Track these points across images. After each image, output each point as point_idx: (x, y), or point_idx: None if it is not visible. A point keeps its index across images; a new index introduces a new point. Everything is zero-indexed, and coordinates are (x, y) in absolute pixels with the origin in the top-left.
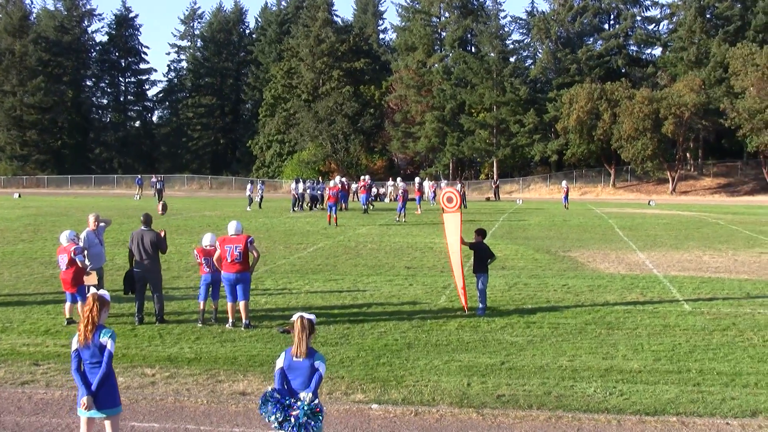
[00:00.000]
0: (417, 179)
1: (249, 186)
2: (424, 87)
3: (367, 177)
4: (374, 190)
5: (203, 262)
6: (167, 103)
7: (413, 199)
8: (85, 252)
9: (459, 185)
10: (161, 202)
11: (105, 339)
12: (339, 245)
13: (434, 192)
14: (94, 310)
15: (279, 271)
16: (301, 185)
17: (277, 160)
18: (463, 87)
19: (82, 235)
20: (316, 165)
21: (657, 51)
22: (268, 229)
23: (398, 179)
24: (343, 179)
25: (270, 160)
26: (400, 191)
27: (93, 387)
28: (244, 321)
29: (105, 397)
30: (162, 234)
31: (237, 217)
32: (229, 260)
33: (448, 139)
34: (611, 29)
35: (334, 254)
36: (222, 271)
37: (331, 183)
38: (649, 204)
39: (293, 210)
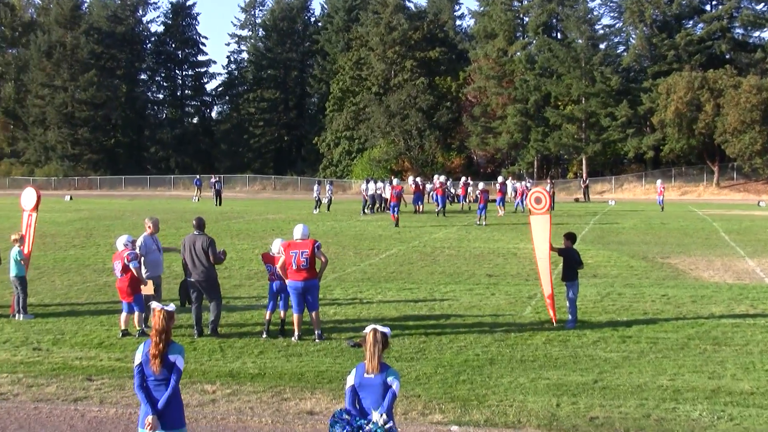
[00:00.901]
0: (500, 178)
1: (316, 187)
2: (506, 77)
3: (442, 177)
4: (452, 190)
5: (269, 269)
6: (227, 98)
7: (494, 201)
8: (142, 259)
9: (549, 185)
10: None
11: (174, 356)
12: (414, 251)
13: (521, 192)
14: (163, 326)
15: (349, 279)
16: (371, 185)
17: (346, 158)
18: (548, 77)
19: (139, 241)
20: (388, 163)
21: (766, 34)
22: (336, 234)
23: (440, 177)
24: (418, 179)
25: (338, 159)
26: (477, 191)
27: (159, 405)
28: (316, 332)
29: (171, 417)
30: (222, 253)
31: (303, 221)
32: (294, 267)
33: (532, 134)
34: (713, 10)
35: (409, 261)
36: (287, 279)
37: (394, 181)
38: (758, 205)
39: (364, 213)
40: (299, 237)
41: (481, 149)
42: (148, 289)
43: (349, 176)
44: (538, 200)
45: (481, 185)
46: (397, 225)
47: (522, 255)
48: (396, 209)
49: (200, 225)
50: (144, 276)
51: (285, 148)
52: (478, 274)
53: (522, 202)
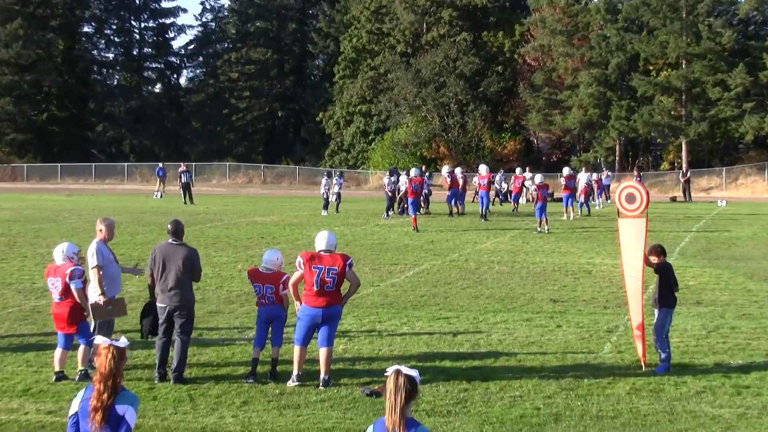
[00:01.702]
0: (566, 170)
1: (324, 180)
2: (578, 33)
3: (483, 168)
4: (503, 185)
5: (257, 290)
6: (201, 59)
7: (558, 199)
8: (100, 273)
9: (635, 178)
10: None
11: (123, 407)
12: (452, 267)
13: (597, 185)
14: (111, 368)
15: (364, 305)
16: (397, 179)
17: (361, 141)
18: (635, 32)
19: (92, 249)
20: (418, 148)
21: None
22: (348, 242)
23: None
24: (457, 170)
25: (350, 142)
26: (533, 188)
27: None
28: (322, 376)
29: None
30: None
31: (303, 225)
32: (316, 288)
33: (614, 109)
34: None
35: (446, 280)
36: (302, 303)
37: (412, 172)
38: None
39: (387, 214)
40: (324, 248)
41: (544, 130)
42: (115, 308)
43: (366, 165)
44: (631, 198)
45: (538, 178)
46: (416, 230)
47: (598, 273)
48: (414, 209)
49: (177, 231)
50: (99, 299)
51: (279, 127)
52: (539, 298)
53: (590, 199)
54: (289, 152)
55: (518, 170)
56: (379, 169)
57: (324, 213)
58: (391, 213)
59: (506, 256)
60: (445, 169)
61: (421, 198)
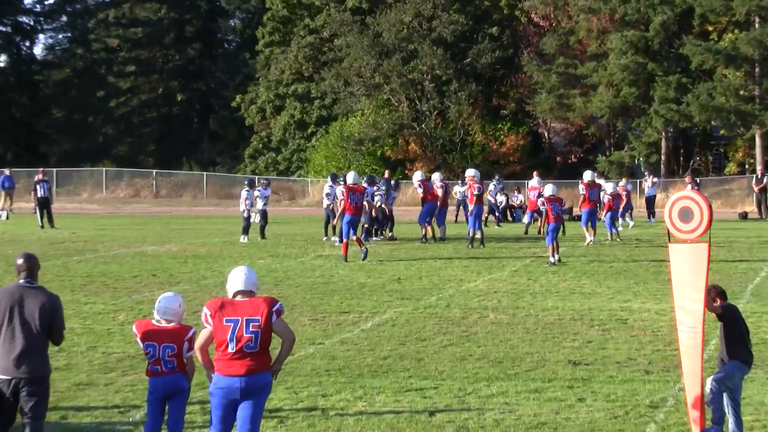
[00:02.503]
0: (588, 175)
1: (245, 193)
2: None
3: (472, 172)
4: (498, 198)
5: (149, 352)
6: (65, 20)
7: (575, 218)
8: None
9: (690, 185)
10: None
11: None
12: (429, 315)
13: (629, 203)
14: None
15: (302, 371)
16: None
17: (297, 135)
18: None
19: None
20: (379, 146)
21: None
22: (278, 282)
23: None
24: (434, 177)
25: (281, 137)
26: (540, 200)
27: None
28: None
29: None
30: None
31: (215, 258)
32: (232, 349)
33: (658, 88)
34: None
35: (419, 335)
36: (215, 373)
37: (349, 178)
38: None
39: (327, 236)
40: (241, 288)
41: (558, 118)
42: None
43: (304, 170)
44: (686, 214)
45: (549, 189)
46: (345, 260)
47: (638, 322)
48: (349, 231)
49: (31, 269)
50: None
51: (178, 116)
52: (553, 360)
53: (616, 216)
54: (192, 152)
55: (535, 179)
56: (322, 176)
57: (243, 239)
58: (329, 237)
59: (505, 300)
60: (417, 175)
61: (372, 214)
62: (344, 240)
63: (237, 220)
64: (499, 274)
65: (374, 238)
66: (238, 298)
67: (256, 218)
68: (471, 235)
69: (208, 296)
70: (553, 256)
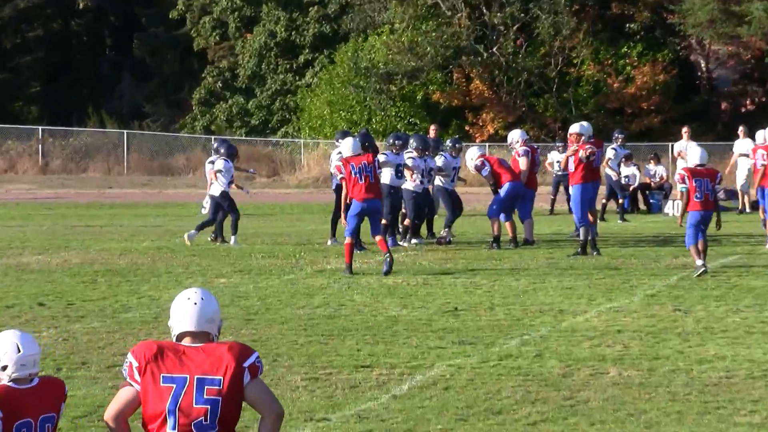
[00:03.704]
0: (759, 135)
1: (222, 163)
2: None
3: (578, 127)
4: (622, 172)
5: None
6: None
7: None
8: None
9: None
10: None
11: None
12: (505, 371)
13: None
14: None
15: None
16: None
17: (282, 67)
18: None
19: None
20: (419, 84)
21: None
22: (251, 315)
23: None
24: (515, 135)
25: (253, 71)
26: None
27: None
28: None
29: None
30: None
31: (145, 274)
32: (173, 429)
33: None
34: None
35: (489, 404)
36: None
37: (346, 144)
38: None
39: (335, 237)
40: (190, 328)
41: (724, 36)
42: None
43: (292, 126)
44: None
45: (695, 155)
46: (349, 270)
47: None
48: (358, 225)
49: None
50: None
51: (80, 36)
52: None
53: None
54: (104, 98)
55: (685, 141)
56: (323, 136)
57: (188, 238)
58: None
59: (636, 345)
60: (515, 135)
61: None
62: (346, 238)
63: (186, 209)
64: (625, 302)
65: (413, 241)
66: (186, 342)
67: (205, 208)
68: (588, 237)
69: (132, 340)
70: (700, 257)
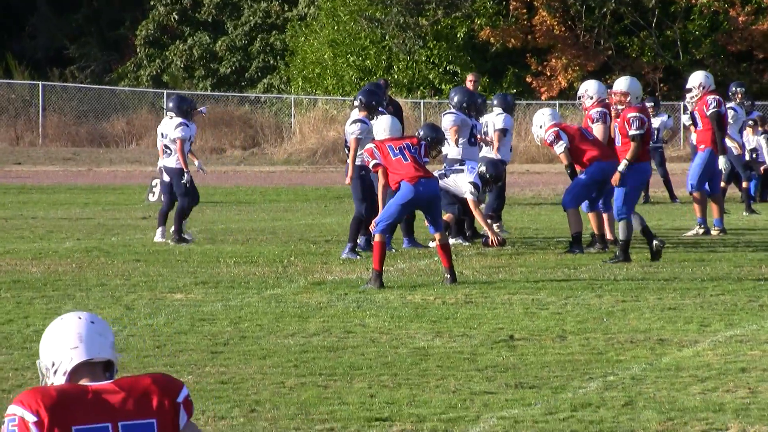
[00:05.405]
0: None
1: (180, 131)
2: None
3: (627, 84)
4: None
5: None
6: None
7: None
8: None
9: None
10: None
11: None
12: (582, 425)
13: None
14: None
15: None
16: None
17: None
18: None
19: None
20: (460, 18)
21: None
22: (218, 345)
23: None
24: (591, 90)
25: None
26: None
27: None
28: None
29: None
30: None
31: (68, 287)
32: None
33: None
34: None
35: None
36: None
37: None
38: None
39: (360, 241)
40: (87, 357)
41: None
42: None
43: (277, 76)
44: None
45: None
46: (380, 283)
47: None
48: (390, 218)
49: None
50: None
51: None
52: None
53: None
54: (15, 39)
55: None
56: (322, 91)
57: (163, 238)
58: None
59: None
60: (621, 83)
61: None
62: (377, 235)
63: (126, 195)
64: (752, 328)
65: (457, 240)
66: (87, 381)
67: (154, 195)
68: (630, 236)
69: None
70: None
